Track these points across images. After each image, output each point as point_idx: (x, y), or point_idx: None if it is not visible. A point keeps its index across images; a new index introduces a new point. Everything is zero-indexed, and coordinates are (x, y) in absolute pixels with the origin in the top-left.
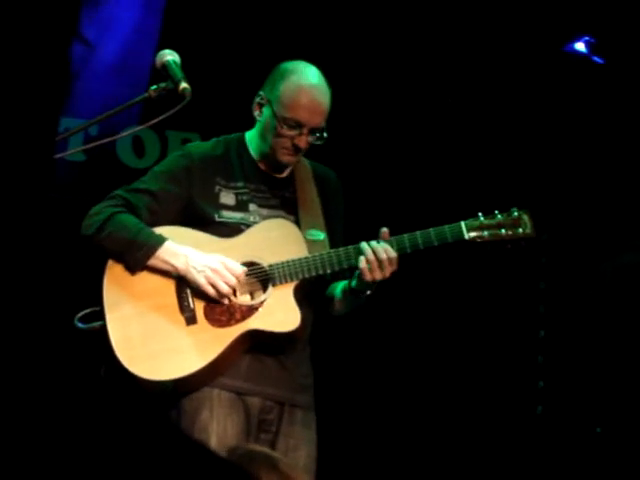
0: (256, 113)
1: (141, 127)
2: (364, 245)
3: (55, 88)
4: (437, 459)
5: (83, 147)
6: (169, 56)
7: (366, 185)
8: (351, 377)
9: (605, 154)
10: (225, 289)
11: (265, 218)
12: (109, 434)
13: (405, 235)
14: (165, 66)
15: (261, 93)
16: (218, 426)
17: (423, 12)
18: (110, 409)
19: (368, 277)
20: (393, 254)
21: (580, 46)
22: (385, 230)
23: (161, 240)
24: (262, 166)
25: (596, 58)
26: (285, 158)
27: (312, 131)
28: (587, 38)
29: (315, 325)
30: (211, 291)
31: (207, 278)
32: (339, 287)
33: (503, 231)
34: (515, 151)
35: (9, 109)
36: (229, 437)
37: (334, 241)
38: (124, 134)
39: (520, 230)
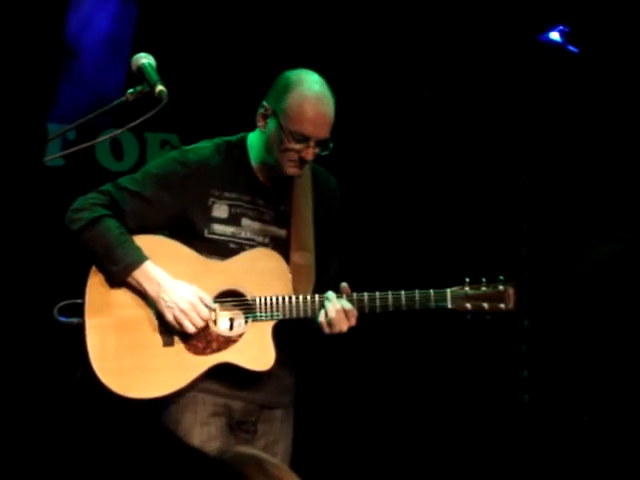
0: (260, 124)
1: (120, 130)
2: (327, 298)
3: (43, 93)
4: (425, 450)
5: (63, 152)
6: (144, 59)
7: (360, 194)
8: (335, 372)
9: (581, 145)
10: (190, 330)
11: (256, 232)
12: (93, 430)
13: (377, 293)
14: (141, 69)
15: (265, 104)
16: (202, 429)
17: (399, 5)
18: (92, 408)
19: (326, 330)
20: (352, 310)
21: (555, 35)
22: (345, 285)
23: (140, 260)
24: (260, 176)
25: (571, 47)
26: (291, 170)
27: (318, 143)
28: (561, 27)
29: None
30: (177, 328)
31: (175, 317)
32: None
33: (486, 305)
34: (489, 142)
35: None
36: (212, 440)
37: (322, 256)
38: (103, 138)
39: (502, 305)
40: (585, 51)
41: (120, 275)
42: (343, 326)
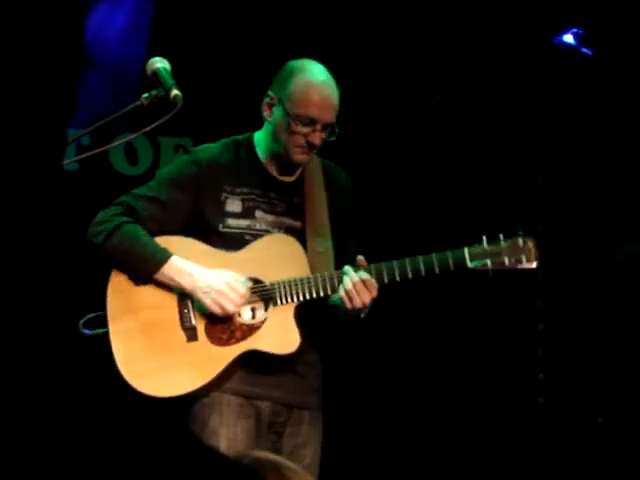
0: (266, 114)
1: (134, 135)
2: (345, 272)
3: (64, 97)
4: (439, 452)
5: (78, 157)
6: (159, 63)
7: (370, 188)
8: (356, 374)
9: (597, 146)
10: (231, 310)
11: (271, 224)
12: (117, 437)
13: (394, 262)
14: (155, 73)
15: (270, 93)
16: (228, 431)
17: (411, 6)
18: (118, 413)
19: (348, 305)
20: (370, 280)
21: (568, 38)
22: (361, 258)
23: (167, 256)
24: (271, 170)
25: (585, 50)
26: (299, 157)
27: (324, 127)
28: (575, 30)
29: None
30: (218, 311)
31: (213, 300)
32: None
33: (506, 260)
34: (507, 144)
35: (18, 119)
36: (239, 442)
37: (341, 246)
38: (117, 143)
39: (524, 259)
40: (599, 53)
41: (149, 273)
42: (365, 298)
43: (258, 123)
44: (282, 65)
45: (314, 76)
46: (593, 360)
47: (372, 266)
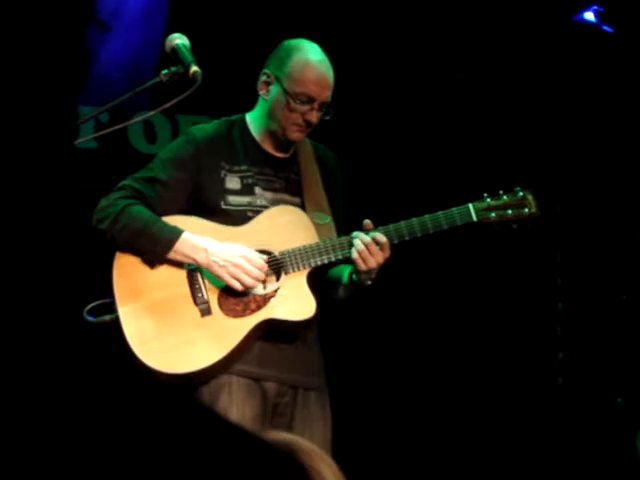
0: (262, 92)
1: (153, 112)
2: (354, 236)
3: (74, 74)
4: (456, 433)
5: (95, 134)
6: (178, 40)
7: (365, 168)
8: (366, 358)
9: (614, 126)
10: (251, 283)
11: (270, 201)
12: (125, 424)
13: (402, 222)
14: (175, 50)
15: (267, 71)
16: (237, 410)
17: None
18: (123, 399)
19: (362, 267)
20: (383, 239)
21: (589, 15)
22: (368, 222)
23: (178, 232)
24: (265, 147)
25: (606, 27)
26: (295, 135)
27: (321, 106)
28: (596, 7)
29: (322, 308)
30: (237, 285)
31: (230, 273)
32: (345, 272)
33: (510, 211)
34: (528, 124)
35: (27, 99)
36: (247, 421)
37: (336, 222)
38: (136, 120)
39: (526, 210)
40: (620, 31)
41: (163, 252)
42: (379, 258)
43: None
44: (278, 44)
45: (312, 55)
46: (612, 340)
47: (380, 228)
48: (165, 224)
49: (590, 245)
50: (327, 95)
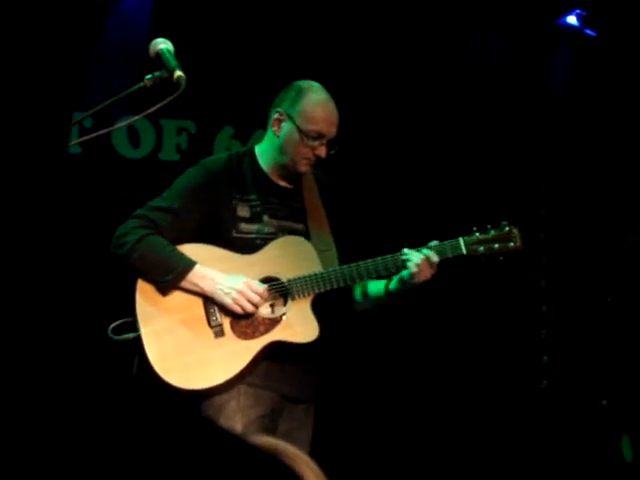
0: (274, 128)
1: (136, 117)
2: (413, 252)
3: (69, 79)
4: (443, 435)
5: (80, 139)
6: (162, 44)
7: (363, 192)
8: (358, 361)
9: (600, 131)
10: (250, 308)
11: (276, 228)
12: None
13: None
14: (159, 55)
15: (279, 109)
16: (243, 416)
17: None
18: (138, 410)
19: (419, 279)
20: (436, 258)
21: (572, 19)
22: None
23: (191, 264)
24: (273, 178)
25: (588, 31)
26: (304, 168)
27: (329, 142)
28: (579, 11)
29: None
30: (238, 310)
31: (233, 299)
32: (375, 287)
33: (496, 245)
34: (510, 127)
35: (22, 105)
36: (253, 423)
37: (343, 246)
38: (119, 125)
39: (511, 244)
40: (603, 34)
41: (176, 281)
42: (427, 274)
43: (260, 108)
44: (288, 84)
45: (321, 95)
46: (597, 342)
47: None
48: (179, 255)
49: (574, 248)
50: (334, 132)
